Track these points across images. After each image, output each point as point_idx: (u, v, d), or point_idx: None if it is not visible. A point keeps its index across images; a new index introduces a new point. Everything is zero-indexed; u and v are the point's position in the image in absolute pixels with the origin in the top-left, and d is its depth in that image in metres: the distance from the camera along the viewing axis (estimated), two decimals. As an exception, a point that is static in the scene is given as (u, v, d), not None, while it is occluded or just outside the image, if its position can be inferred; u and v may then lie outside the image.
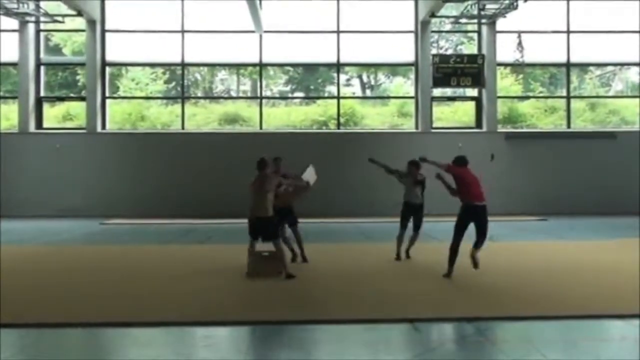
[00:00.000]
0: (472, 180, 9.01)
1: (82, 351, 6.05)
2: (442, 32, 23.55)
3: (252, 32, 20.87)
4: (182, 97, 22.14)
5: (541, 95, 23.00)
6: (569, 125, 22.21)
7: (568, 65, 22.35)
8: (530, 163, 21.32)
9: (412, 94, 22.14)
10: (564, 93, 22.54)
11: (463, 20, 21.70)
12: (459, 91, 22.49)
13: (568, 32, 22.06)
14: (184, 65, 22.00)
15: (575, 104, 22.61)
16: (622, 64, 23.44)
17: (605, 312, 6.96)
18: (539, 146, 21.39)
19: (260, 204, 9.09)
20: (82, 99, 21.67)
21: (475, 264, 8.90)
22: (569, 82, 22.46)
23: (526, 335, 6.30)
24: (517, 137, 21.57)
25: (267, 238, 9.22)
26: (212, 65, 23.07)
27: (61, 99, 22.45)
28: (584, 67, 23.27)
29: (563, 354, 5.73)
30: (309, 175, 10.34)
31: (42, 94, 21.79)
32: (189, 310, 7.10)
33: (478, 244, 8.91)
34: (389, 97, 23.28)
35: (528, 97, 22.84)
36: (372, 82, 24.38)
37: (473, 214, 8.87)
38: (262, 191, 9.08)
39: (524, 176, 21.22)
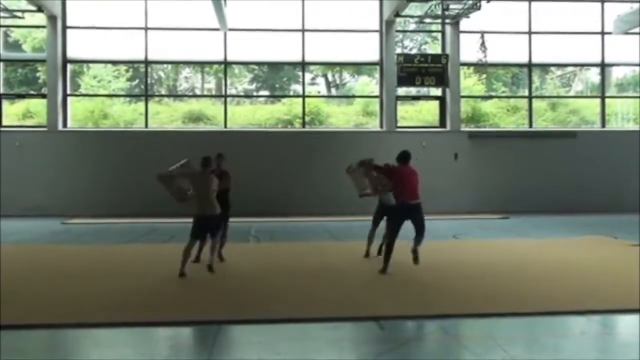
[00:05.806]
0: (407, 179, 9.24)
1: (43, 353, 5.93)
2: (406, 31, 23.67)
3: (217, 29, 20.73)
4: (145, 94, 21.88)
5: (503, 95, 23.29)
6: (530, 125, 22.54)
7: (530, 66, 22.68)
8: (492, 162, 21.58)
9: (377, 93, 22.22)
10: (526, 93, 22.86)
11: (427, 20, 21.93)
12: (423, 90, 22.64)
13: (530, 33, 22.38)
14: (147, 62, 21.74)
15: (537, 103, 22.94)
16: (582, 65, 23.84)
17: (566, 309, 7.07)
18: (502, 145, 21.66)
19: (209, 202, 9.27)
20: (43, 96, 21.30)
21: (415, 258, 9.29)
22: (530, 82, 22.79)
23: (489, 332, 6.38)
24: (480, 136, 21.81)
25: (213, 233, 9.43)
26: (176, 63, 22.86)
27: (21, 96, 22.01)
28: (545, 67, 23.64)
29: (525, 350, 5.81)
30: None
31: (1, 90, 21.34)
32: (153, 310, 7.03)
33: (418, 240, 9.32)
34: (354, 96, 23.34)
35: (491, 97, 23.10)
36: (337, 81, 24.42)
37: (407, 212, 9.13)
38: (210, 190, 9.24)
39: (486, 175, 21.47)
